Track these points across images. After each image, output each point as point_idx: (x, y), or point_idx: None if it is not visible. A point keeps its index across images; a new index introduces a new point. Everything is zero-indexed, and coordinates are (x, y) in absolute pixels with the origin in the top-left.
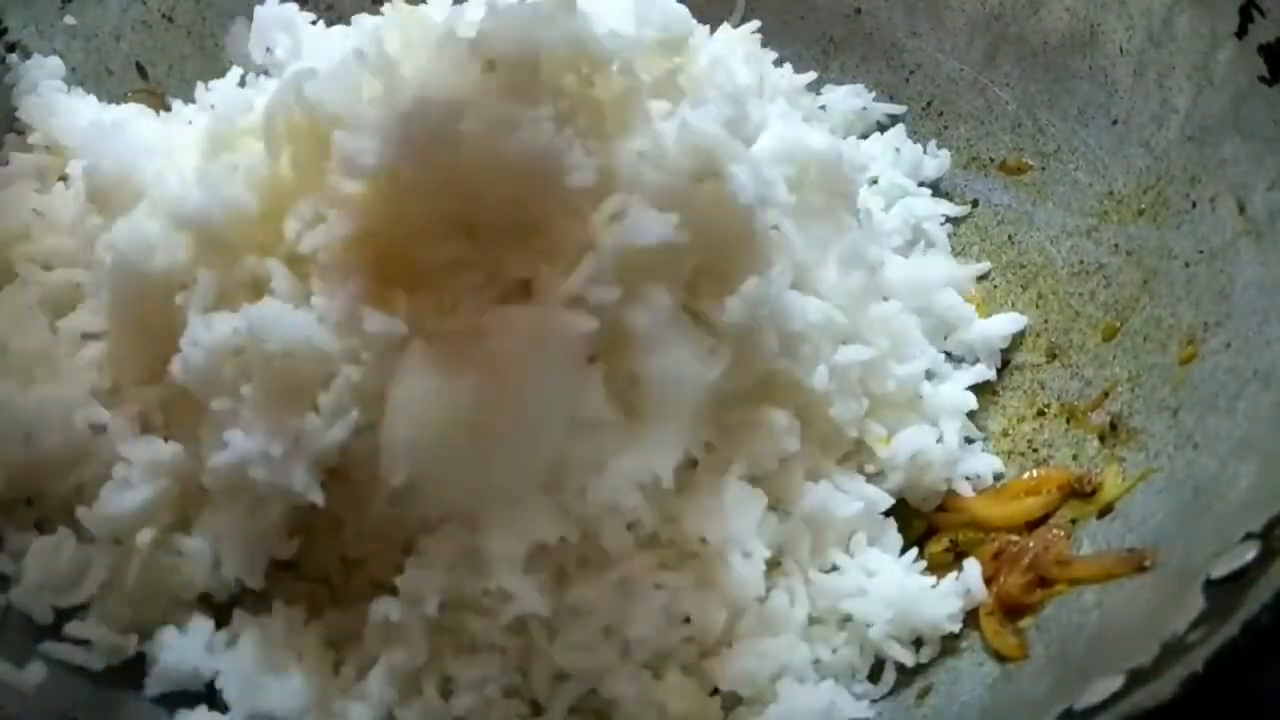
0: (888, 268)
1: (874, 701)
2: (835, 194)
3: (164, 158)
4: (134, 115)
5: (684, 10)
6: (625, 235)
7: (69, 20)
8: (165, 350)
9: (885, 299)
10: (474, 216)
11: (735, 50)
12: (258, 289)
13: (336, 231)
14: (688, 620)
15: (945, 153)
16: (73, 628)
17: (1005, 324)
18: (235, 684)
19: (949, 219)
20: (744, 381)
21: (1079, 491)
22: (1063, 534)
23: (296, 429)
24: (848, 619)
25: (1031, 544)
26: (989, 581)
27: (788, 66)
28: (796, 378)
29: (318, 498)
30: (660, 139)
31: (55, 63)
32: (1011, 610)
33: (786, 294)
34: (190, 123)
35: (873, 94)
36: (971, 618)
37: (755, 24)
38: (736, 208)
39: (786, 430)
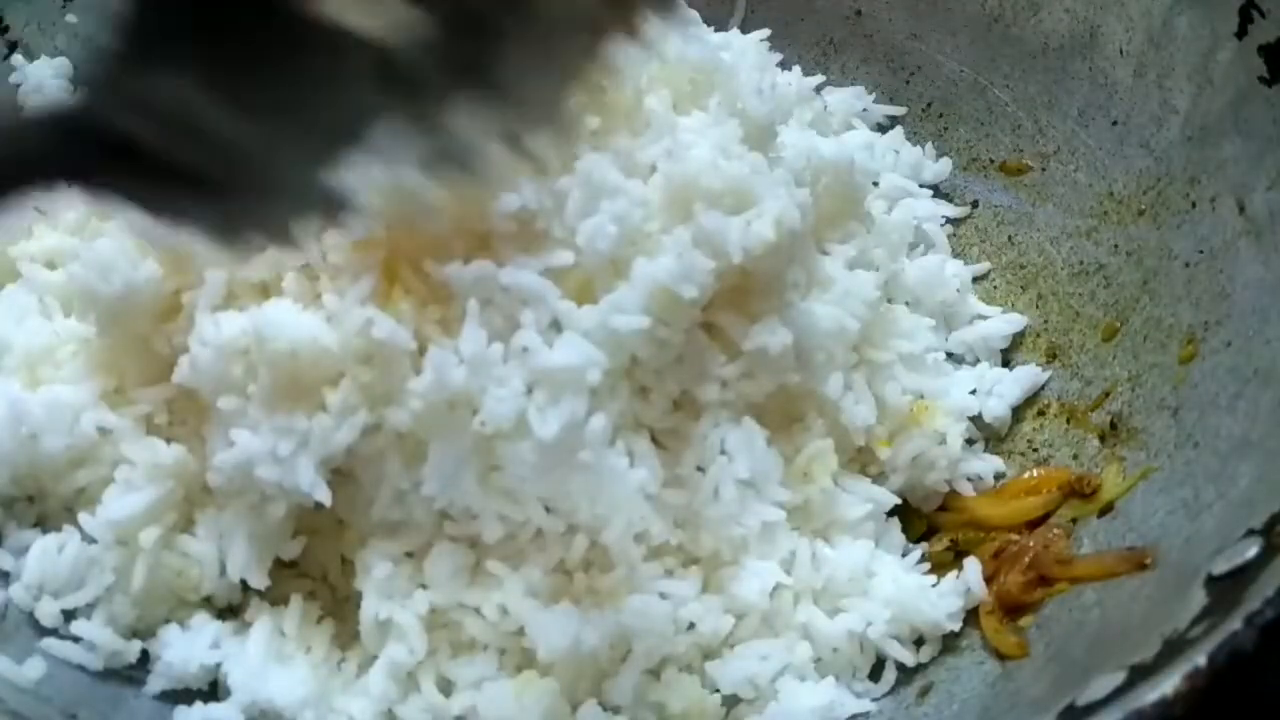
0: (897, 270)
1: (875, 700)
2: (846, 201)
3: None
4: None
5: (710, 43)
6: (662, 274)
7: (70, 19)
8: (166, 352)
9: (890, 300)
10: (485, 225)
11: (746, 58)
12: (265, 290)
13: (348, 234)
14: (692, 626)
15: (946, 160)
16: (76, 626)
17: (1005, 324)
18: (240, 670)
19: (949, 220)
20: (757, 394)
21: (1079, 491)
22: (1063, 533)
23: (304, 428)
24: (849, 618)
25: (1032, 543)
26: (989, 580)
27: (796, 70)
28: (810, 387)
29: (325, 498)
30: (691, 165)
31: (62, 63)
32: (1012, 609)
33: (800, 305)
34: None
35: (872, 95)
36: (972, 616)
37: (765, 31)
38: (766, 242)
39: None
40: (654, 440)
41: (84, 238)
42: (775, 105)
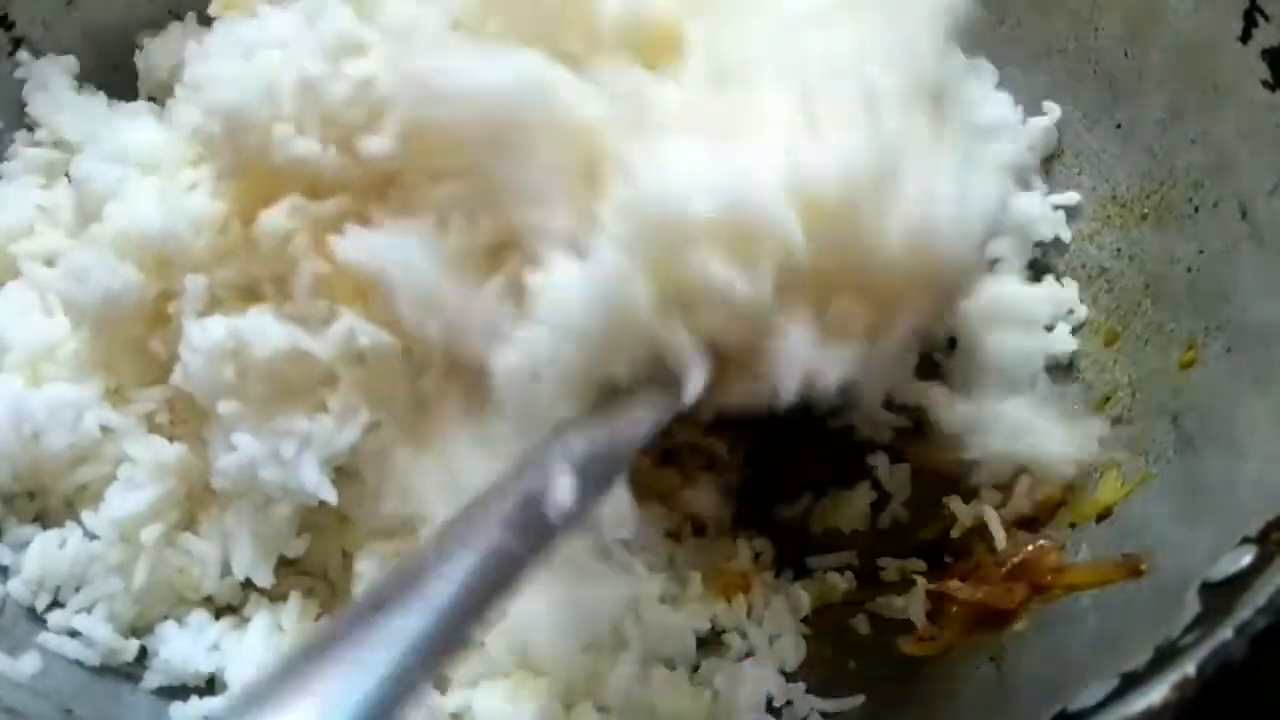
0: None
1: (866, 699)
2: None
3: (156, 170)
4: (140, 118)
5: None
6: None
7: (76, 15)
8: (164, 357)
9: None
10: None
11: None
12: (249, 292)
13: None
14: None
15: None
16: (75, 622)
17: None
18: (237, 666)
19: None
20: None
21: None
22: (1053, 546)
23: (305, 429)
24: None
25: (1029, 548)
26: (968, 579)
27: None
28: None
29: (331, 497)
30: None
31: (69, 61)
32: (1006, 615)
33: None
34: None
35: None
36: (969, 621)
37: None
38: None
39: None
40: None
41: (79, 239)
42: None
